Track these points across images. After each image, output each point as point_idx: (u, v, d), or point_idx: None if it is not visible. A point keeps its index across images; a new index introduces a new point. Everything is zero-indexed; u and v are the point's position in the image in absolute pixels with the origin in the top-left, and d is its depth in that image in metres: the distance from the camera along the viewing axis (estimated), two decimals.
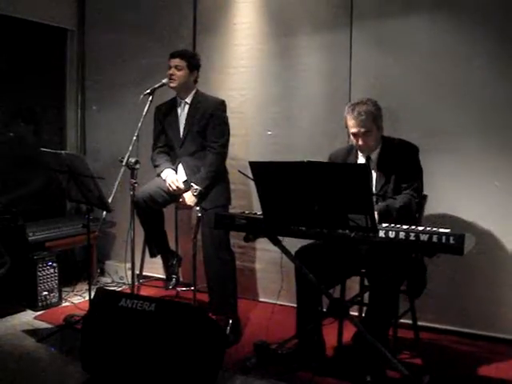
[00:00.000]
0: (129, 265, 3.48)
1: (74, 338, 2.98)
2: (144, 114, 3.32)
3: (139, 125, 3.28)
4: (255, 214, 2.84)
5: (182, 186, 3.41)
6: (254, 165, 2.55)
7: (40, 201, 4.54)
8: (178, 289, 3.90)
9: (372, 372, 2.59)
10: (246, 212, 2.92)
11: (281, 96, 3.82)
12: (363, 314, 3.08)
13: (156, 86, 3.40)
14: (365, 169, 2.43)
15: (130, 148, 3.22)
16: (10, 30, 4.22)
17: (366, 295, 2.95)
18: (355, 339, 2.84)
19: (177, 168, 3.49)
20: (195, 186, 3.35)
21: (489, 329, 3.20)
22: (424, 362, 2.94)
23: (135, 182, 3.26)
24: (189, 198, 3.38)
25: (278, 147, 3.81)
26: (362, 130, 2.78)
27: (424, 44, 3.32)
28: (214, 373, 2.54)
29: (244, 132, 3.93)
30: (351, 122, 2.81)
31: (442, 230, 2.34)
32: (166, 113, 3.55)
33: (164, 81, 3.42)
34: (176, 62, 3.40)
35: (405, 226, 2.45)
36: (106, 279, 4.45)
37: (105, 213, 3.21)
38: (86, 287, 3.54)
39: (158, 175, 3.50)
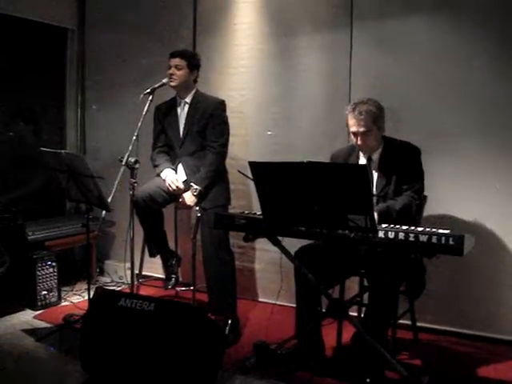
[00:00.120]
0: (128, 264, 3.48)
1: (74, 337, 2.97)
2: (144, 113, 3.32)
3: (139, 124, 3.28)
4: (255, 214, 2.84)
5: (181, 185, 3.41)
6: (253, 165, 2.54)
7: (40, 200, 4.54)
8: (178, 289, 3.90)
9: (371, 372, 2.59)
10: (246, 212, 2.92)
11: (281, 96, 3.82)
12: (362, 315, 3.08)
13: (156, 85, 3.40)
14: (364, 169, 2.42)
15: (130, 148, 3.22)
16: (10, 29, 4.22)
17: (366, 296, 2.95)
18: (354, 340, 2.84)
19: (176, 168, 3.49)
20: (195, 186, 3.35)
21: (488, 330, 3.19)
22: (423, 363, 2.94)
23: (135, 182, 3.26)
24: (188, 197, 3.38)
25: (277, 147, 3.81)
26: (362, 129, 2.78)
27: (424, 44, 3.32)
28: (213, 373, 2.54)
29: (244, 132, 3.93)
30: (351, 121, 2.80)
31: (441, 231, 2.34)
32: (165, 112, 3.55)
33: (164, 80, 3.42)
34: (176, 61, 3.40)
35: (404, 227, 2.45)
36: (105, 279, 4.45)
37: (104, 212, 3.21)
38: (86, 287, 3.54)
39: (158, 175, 3.50)
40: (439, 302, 3.29)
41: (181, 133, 3.48)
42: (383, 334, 2.67)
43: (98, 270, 4.48)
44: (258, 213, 2.75)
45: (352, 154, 2.98)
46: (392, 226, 2.48)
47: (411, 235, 2.34)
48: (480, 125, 3.20)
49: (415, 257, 2.67)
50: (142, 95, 3.38)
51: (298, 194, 2.46)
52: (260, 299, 3.97)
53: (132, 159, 3.21)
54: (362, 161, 2.92)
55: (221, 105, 3.46)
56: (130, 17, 4.38)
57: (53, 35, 4.59)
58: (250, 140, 3.94)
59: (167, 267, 3.67)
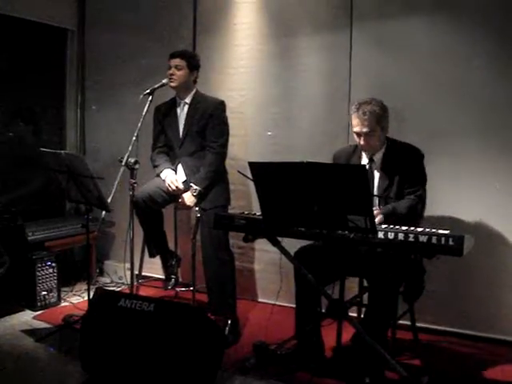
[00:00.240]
0: (128, 265, 3.48)
1: (73, 337, 2.97)
2: (144, 114, 3.32)
3: (139, 125, 3.28)
4: (254, 214, 2.84)
5: (181, 186, 3.40)
6: (253, 165, 2.54)
7: (39, 201, 4.54)
8: (177, 289, 3.89)
9: (371, 373, 2.59)
10: (246, 212, 2.92)
11: (281, 96, 3.82)
12: (362, 315, 3.08)
13: (156, 86, 3.40)
14: (363, 170, 2.42)
15: (130, 148, 3.22)
16: (10, 29, 4.22)
17: (365, 296, 2.94)
18: (354, 340, 2.84)
19: (176, 168, 3.48)
20: (194, 187, 3.35)
21: (489, 330, 3.19)
22: (423, 364, 2.94)
23: (135, 182, 3.26)
24: (188, 198, 3.38)
25: (277, 148, 3.81)
26: (365, 129, 2.76)
27: (424, 45, 3.32)
28: (212, 373, 2.54)
29: (243, 132, 3.93)
30: (355, 121, 2.79)
31: (441, 232, 2.34)
32: (165, 113, 3.55)
33: (164, 81, 3.42)
34: (176, 61, 3.40)
35: (404, 227, 2.45)
36: (105, 279, 4.45)
37: (104, 213, 3.21)
38: (85, 287, 3.54)
39: (158, 175, 3.50)
40: (439, 303, 3.29)
41: (180, 133, 3.48)
42: (383, 335, 2.67)
43: (97, 270, 4.48)
44: (258, 213, 2.75)
45: (354, 154, 2.97)
46: (392, 226, 2.48)
47: (411, 236, 2.34)
48: (480, 125, 3.20)
49: (415, 257, 2.67)
50: (141, 96, 3.38)
51: (298, 194, 2.45)
52: (260, 299, 3.97)
53: (132, 160, 3.21)
54: (364, 161, 2.91)
55: (220, 105, 3.46)
56: (129, 17, 4.38)
57: (53, 35, 4.59)
58: (249, 140, 3.94)
59: (167, 268, 3.67)
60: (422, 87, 3.32)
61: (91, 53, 4.69)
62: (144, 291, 3.93)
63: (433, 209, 3.16)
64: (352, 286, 3.16)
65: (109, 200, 3.10)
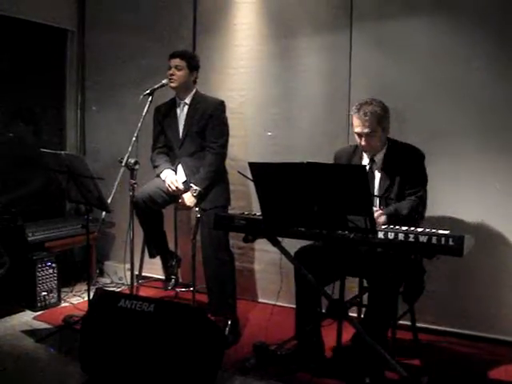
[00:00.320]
0: (128, 265, 3.48)
1: (73, 338, 2.97)
2: (144, 114, 3.32)
3: (139, 125, 3.28)
4: (254, 214, 2.84)
5: (181, 186, 3.41)
6: (253, 166, 2.54)
7: (39, 201, 4.54)
8: (177, 289, 3.89)
9: (371, 373, 2.59)
10: (246, 213, 2.92)
11: (280, 97, 3.82)
12: (362, 315, 3.08)
13: (156, 86, 3.40)
14: (363, 170, 2.42)
15: (130, 148, 3.22)
16: (11, 30, 4.22)
17: (365, 296, 2.94)
18: (354, 340, 2.84)
19: (176, 168, 3.49)
20: (194, 187, 3.35)
21: (489, 330, 3.19)
22: (423, 364, 2.94)
23: (135, 183, 3.26)
24: (188, 198, 3.38)
25: (277, 148, 3.81)
26: (366, 130, 2.76)
27: (423, 45, 3.32)
28: (213, 373, 2.54)
29: (243, 133, 3.93)
30: (356, 122, 2.79)
31: (441, 232, 2.34)
32: (165, 113, 3.55)
33: (164, 81, 3.42)
34: (176, 62, 3.40)
35: (404, 228, 2.45)
36: (105, 280, 4.45)
37: (104, 213, 3.21)
38: (85, 288, 3.54)
39: (158, 176, 3.50)
40: (439, 303, 3.29)
41: (180, 134, 3.48)
42: (383, 335, 2.67)
43: (97, 270, 4.47)
44: (258, 213, 2.75)
45: (355, 154, 2.97)
46: (392, 226, 2.49)
47: (411, 236, 2.34)
48: (479, 125, 3.20)
49: (415, 257, 2.67)
50: (141, 96, 3.38)
51: (298, 194, 2.46)
52: (260, 300, 3.97)
53: (132, 160, 3.21)
54: (365, 161, 2.91)
55: (220, 105, 3.46)
56: (129, 17, 4.38)
57: (53, 36, 4.59)
58: (249, 141, 3.94)
59: (167, 268, 3.67)
60: (422, 88, 3.33)
61: (91, 53, 4.69)
62: (144, 292, 3.93)
63: (433, 209, 3.16)
64: (352, 286, 3.16)
65: (109, 200, 3.10)
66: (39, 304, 3.68)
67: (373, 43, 3.47)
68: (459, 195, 3.24)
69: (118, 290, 4.21)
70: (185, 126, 3.46)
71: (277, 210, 2.56)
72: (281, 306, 3.52)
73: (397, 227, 2.46)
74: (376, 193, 2.84)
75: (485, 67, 3.15)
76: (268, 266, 3.81)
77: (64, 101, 4.74)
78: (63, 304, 3.85)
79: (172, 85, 3.42)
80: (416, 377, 2.60)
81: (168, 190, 3.41)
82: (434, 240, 2.29)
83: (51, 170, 3.32)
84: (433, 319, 3.32)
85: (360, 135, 2.80)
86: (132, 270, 3.40)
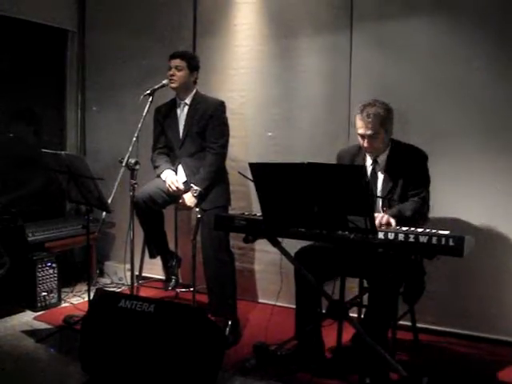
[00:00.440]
0: (128, 266, 3.48)
1: (73, 338, 2.98)
2: (144, 114, 3.32)
3: (139, 126, 3.28)
4: (255, 215, 2.84)
5: (181, 186, 3.41)
6: (253, 166, 2.54)
7: (40, 201, 4.53)
8: (178, 290, 3.89)
9: (371, 373, 2.59)
10: (246, 213, 2.92)
11: (281, 97, 3.82)
12: (362, 316, 3.07)
13: (156, 86, 3.40)
14: (363, 170, 2.42)
15: (130, 149, 3.22)
16: (11, 30, 4.22)
17: (366, 297, 2.94)
18: (354, 340, 2.84)
19: (176, 169, 3.49)
20: (195, 187, 3.35)
21: (490, 331, 3.19)
22: (423, 364, 2.94)
23: (135, 183, 3.26)
24: (188, 198, 3.38)
25: (277, 148, 3.81)
26: (369, 132, 2.75)
27: (423, 45, 3.32)
28: (213, 374, 2.54)
29: (244, 133, 3.93)
30: (359, 123, 2.78)
31: (441, 232, 2.34)
32: (165, 114, 3.55)
33: (164, 82, 3.42)
34: (176, 62, 3.40)
35: (404, 228, 2.45)
36: (105, 280, 4.45)
37: (104, 213, 3.20)
38: (86, 288, 3.54)
39: (158, 176, 3.50)
40: (440, 303, 3.29)
41: (180, 134, 3.48)
42: (383, 335, 2.67)
43: (97, 271, 4.47)
44: (258, 214, 2.75)
45: (359, 154, 2.96)
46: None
47: (411, 236, 2.34)
48: (480, 126, 3.20)
49: (415, 258, 2.67)
50: (142, 96, 3.38)
51: (298, 195, 2.45)
52: (260, 300, 3.97)
53: (132, 160, 3.21)
54: (369, 162, 2.91)
55: (220, 106, 3.46)
56: (129, 18, 4.39)
57: (53, 37, 4.59)
58: (250, 141, 3.94)
59: (167, 268, 3.66)
60: (422, 88, 3.33)
61: (91, 53, 4.69)
62: (144, 292, 3.92)
63: (434, 210, 3.15)
64: (352, 286, 3.16)
65: (109, 201, 3.10)
66: (39, 304, 3.68)
67: (373, 43, 3.47)
68: (459, 195, 3.23)
69: (119, 290, 4.21)
70: (185, 126, 3.47)
71: (277, 210, 2.56)
72: (281, 307, 3.52)
73: (397, 227, 2.45)
74: (379, 194, 2.83)
75: (485, 67, 3.15)
76: (268, 266, 3.81)
77: (64, 101, 4.74)
78: (63, 304, 3.85)
79: (172, 85, 3.42)
80: (416, 377, 2.60)
81: (168, 190, 3.41)
82: (434, 240, 2.29)
83: (51, 170, 3.32)
84: (433, 320, 3.31)
85: (363, 136, 2.79)
86: (132, 270, 3.40)
